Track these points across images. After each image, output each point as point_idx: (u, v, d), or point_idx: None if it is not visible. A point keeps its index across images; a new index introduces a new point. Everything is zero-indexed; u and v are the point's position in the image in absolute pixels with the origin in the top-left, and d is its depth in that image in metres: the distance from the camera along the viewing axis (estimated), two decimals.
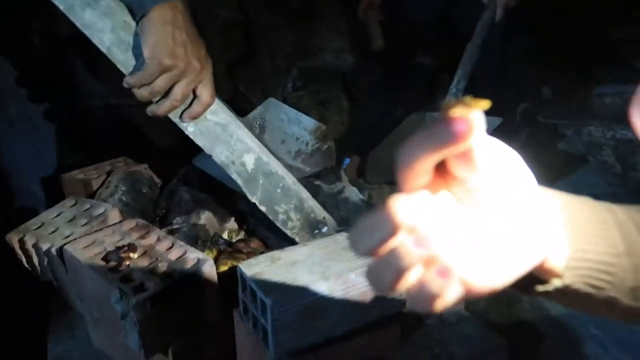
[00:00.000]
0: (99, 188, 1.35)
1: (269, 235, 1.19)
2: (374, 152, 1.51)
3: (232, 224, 1.26)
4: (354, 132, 1.71)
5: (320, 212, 1.13)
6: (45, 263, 1.08)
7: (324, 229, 1.12)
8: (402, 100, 1.70)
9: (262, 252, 1.16)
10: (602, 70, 1.86)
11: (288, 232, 1.10)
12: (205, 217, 1.19)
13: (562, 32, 1.95)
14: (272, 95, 1.54)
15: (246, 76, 1.76)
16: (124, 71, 0.89)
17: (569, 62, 1.90)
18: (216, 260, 1.09)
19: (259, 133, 1.36)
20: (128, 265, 0.91)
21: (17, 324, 1.27)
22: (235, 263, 1.07)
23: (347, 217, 1.21)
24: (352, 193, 1.26)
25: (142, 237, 1.01)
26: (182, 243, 0.97)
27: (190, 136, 0.98)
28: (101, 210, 1.15)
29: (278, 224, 1.09)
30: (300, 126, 1.33)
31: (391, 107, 1.72)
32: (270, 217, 1.08)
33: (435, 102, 1.58)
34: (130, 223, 1.07)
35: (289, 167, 1.28)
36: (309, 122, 1.35)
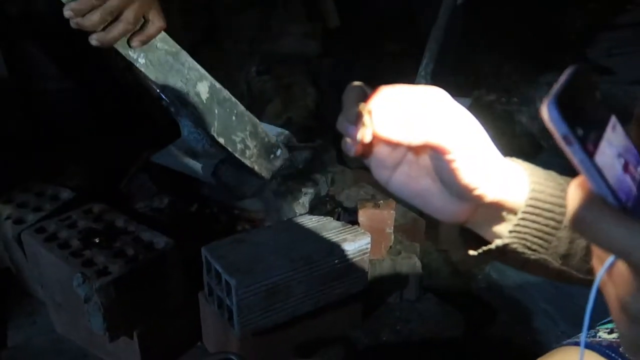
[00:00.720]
0: (58, 174, 1.32)
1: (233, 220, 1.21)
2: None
3: (194, 208, 1.25)
4: (320, 117, 1.73)
5: (272, 137, 1.12)
6: (2, 248, 1.05)
7: (278, 152, 1.12)
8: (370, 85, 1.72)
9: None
10: (557, 57, 1.93)
11: (247, 162, 1.07)
12: (169, 202, 1.19)
13: (518, 19, 2.01)
14: (235, 79, 1.52)
15: (208, 60, 1.74)
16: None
17: (525, 49, 1.97)
18: (181, 245, 1.09)
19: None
20: (90, 250, 0.90)
21: None
22: (198, 245, 1.07)
23: None
24: None
25: (104, 222, 1.00)
26: (146, 228, 0.97)
27: (142, 69, 0.91)
28: (63, 194, 1.13)
29: (237, 155, 1.06)
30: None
31: None
32: (229, 148, 1.04)
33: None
34: (92, 207, 1.05)
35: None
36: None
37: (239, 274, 0.83)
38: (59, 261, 0.88)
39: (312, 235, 0.96)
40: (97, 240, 0.91)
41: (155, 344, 0.93)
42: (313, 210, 1.26)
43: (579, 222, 0.25)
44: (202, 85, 0.97)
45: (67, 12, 0.76)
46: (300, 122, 1.71)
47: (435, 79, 1.53)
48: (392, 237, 1.11)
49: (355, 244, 0.95)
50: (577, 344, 0.59)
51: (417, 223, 1.37)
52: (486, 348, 1.16)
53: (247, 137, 1.05)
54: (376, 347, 1.03)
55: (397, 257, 1.14)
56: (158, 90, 0.97)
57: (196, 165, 1.17)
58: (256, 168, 1.07)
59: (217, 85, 1.00)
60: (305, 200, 1.25)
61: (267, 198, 1.25)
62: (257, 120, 1.08)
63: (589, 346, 0.56)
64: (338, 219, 1.21)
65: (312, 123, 1.71)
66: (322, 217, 1.04)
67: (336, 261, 0.93)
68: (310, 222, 1.01)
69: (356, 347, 1.03)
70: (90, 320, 0.85)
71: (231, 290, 0.83)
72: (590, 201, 0.25)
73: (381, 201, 1.12)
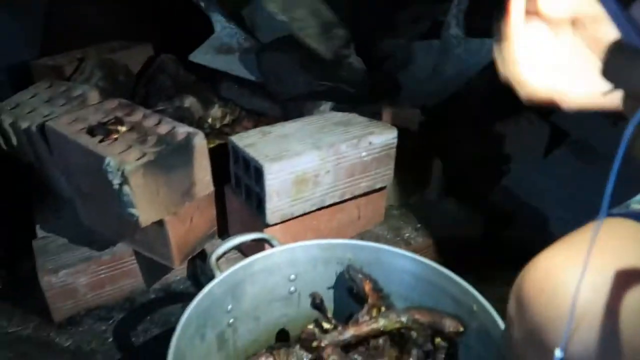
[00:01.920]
0: (71, 74, 1.30)
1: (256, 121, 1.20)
2: None
3: (215, 110, 1.24)
4: None
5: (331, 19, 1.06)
6: (25, 142, 1.05)
7: (335, 30, 1.07)
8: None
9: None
10: None
11: (305, 41, 1.04)
12: (189, 102, 1.17)
13: None
14: None
15: None
16: None
17: None
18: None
19: None
20: (116, 139, 0.89)
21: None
22: (222, 142, 1.07)
23: None
24: None
25: (127, 114, 0.99)
26: (169, 119, 0.96)
27: None
28: (79, 91, 1.11)
29: (299, 37, 1.04)
30: None
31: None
32: (295, 31, 1.03)
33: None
34: (112, 102, 1.03)
35: None
36: None
37: (267, 160, 0.83)
38: (87, 147, 0.87)
39: (339, 128, 0.95)
40: (123, 129, 0.91)
41: (183, 233, 0.95)
42: None
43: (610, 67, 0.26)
44: None
45: None
46: None
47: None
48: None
49: (382, 137, 0.94)
50: (611, 215, 0.59)
51: None
52: (502, 249, 1.18)
53: (307, 15, 1.03)
54: (396, 243, 1.05)
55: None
56: None
57: (233, 60, 1.15)
58: (315, 46, 1.05)
59: None
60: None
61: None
62: None
63: (624, 214, 0.56)
64: None
65: None
66: (347, 113, 1.03)
67: (363, 154, 0.93)
68: (336, 117, 1.00)
69: (379, 241, 1.05)
70: (120, 206, 0.86)
71: (261, 176, 0.83)
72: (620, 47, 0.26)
73: None
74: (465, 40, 1.23)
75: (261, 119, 1.25)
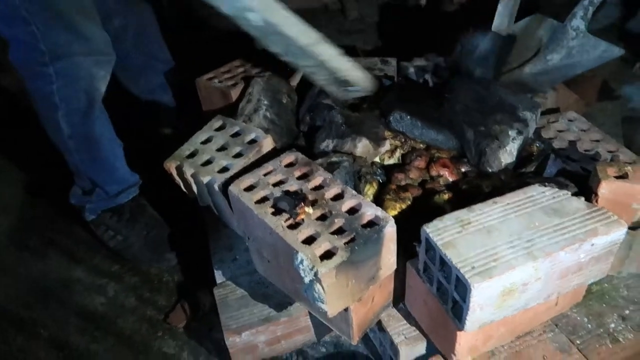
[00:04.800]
0: (238, 100, 1.27)
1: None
2: None
3: (386, 147, 1.14)
4: None
5: (346, 74, 1.09)
6: (206, 193, 1.06)
7: (352, 88, 1.11)
8: None
9: (421, 182, 1.06)
10: None
11: (317, 84, 1.12)
12: (362, 145, 1.08)
13: None
14: None
15: None
16: None
17: None
18: (380, 199, 1.01)
19: None
20: (302, 220, 0.85)
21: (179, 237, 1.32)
22: (402, 206, 0.98)
23: None
24: None
25: (305, 177, 0.94)
26: (353, 192, 0.89)
27: None
28: (252, 135, 1.08)
29: (306, 76, 1.11)
30: None
31: None
32: (298, 68, 1.11)
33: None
34: (289, 157, 0.99)
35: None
36: None
37: (475, 274, 0.74)
38: (274, 231, 0.84)
39: (551, 221, 0.81)
40: (310, 211, 0.86)
41: (365, 313, 0.91)
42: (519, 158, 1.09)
43: None
44: (252, 15, 0.97)
45: None
46: None
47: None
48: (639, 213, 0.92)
49: (608, 238, 0.78)
50: None
51: None
52: None
53: (312, 66, 1.07)
54: (600, 335, 0.92)
55: (635, 231, 0.95)
56: None
57: None
58: (327, 90, 1.12)
59: (271, 19, 0.98)
60: (513, 147, 1.07)
61: (463, 134, 1.10)
62: (329, 57, 1.05)
63: None
64: (544, 168, 1.05)
65: None
66: (556, 189, 0.87)
67: (582, 256, 0.79)
68: (544, 198, 0.86)
69: (576, 329, 0.93)
70: (308, 294, 0.83)
71: (466, 291, 0.74)
72: None
73: (629, 167, 0.91)
74: (584, 35, 1.20)
75: (435, 153, 1.13)
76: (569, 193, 0.86)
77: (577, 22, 1.21)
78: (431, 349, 0.93)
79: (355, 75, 1.06)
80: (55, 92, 1.08)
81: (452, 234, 0.80)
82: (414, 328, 0.96)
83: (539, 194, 0.86)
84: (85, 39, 1.07)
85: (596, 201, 0.90)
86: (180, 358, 1.11)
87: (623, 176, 0.89)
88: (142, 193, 1.34)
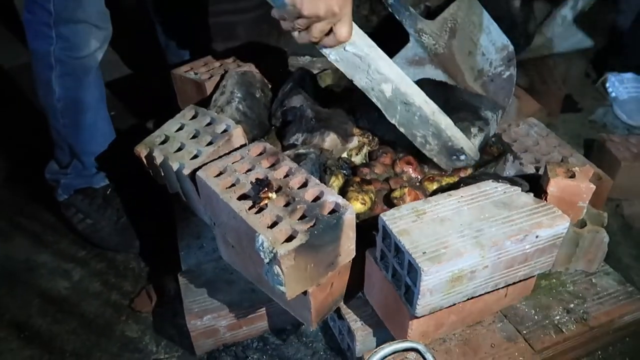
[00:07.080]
0: (212, 93, 1.30)
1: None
2: None
3: (353, 143, 1.18)
4: None
5: (459, 142, 1.08)
6: (175, 180, 1.08)
7: (462, 157, 1.10)
8: None
9: (386, 179, 1.10)
10: None
11: (426, 153, 1.10)
12: (330, 140, 1.12)
13: None
14: None
15: None
16: (271, 3, 0.91)
17: None
18: (344, 191, 1.04)
19: (448, 38, 1.25)
20: (266, 205, 0.88)
21: (145, 222, 1.34)
22: (366, 198, 1.02)
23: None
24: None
25: (272, 166, 0.97)
26: (317, 181, 0.92)
27: (333, 62, 1.01)
28: (223, 126, 1.10)
29: (416, 145, 1.10)
30: (489, 38, 1.21)
31: None
32: (409, 137, 1.09)
33: None
34: (258, 147, 1.02)
35: (466, 87, 1.26)
36: (498, 36, 1.20)
37: (426, 259, 0.78)
38: (238, 214, 0.87)
39: (500, 214, 0.85)
40: (273, 196, 0.89)
41: (323, 299, 0.94)
42: (480, 154, 1.14)
43: None
44: (386, 86, 1.03)
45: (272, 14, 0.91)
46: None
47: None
48: (585, 210, 0.97)
49: (552, 230, 0.83)
50: None
51: (602, 184, 1.21)
52: None
53: (429, 135, 1.08)
54: (545, 326, 0.97)
55: (581, 229, 1.01)
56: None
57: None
58: (435, 160, 1.10)
59: (403, 89, 1.03)
60: (474, 143, 1.12)
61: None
62: (445, 125, 1.07)
63: None
64: (504, 163, 1.11)
65: None
66: (508, 185, 0.92)
67: (527, 247, 0.84)
68: (496, 192, 0.90)
69: (523, 320, 0.97)
70: (268, 277, 0.86)
71: (417, 276, 0.78)
72: None
73: (576, 168, 0.97)
74: (569, 23, 1.31)
75: (399, 153, 1.18)
76: (519, 189, 0.91)
77: (566, 11, 1.32)
78: (388, 335, 0.97)
79: (465, 144, 1.08)
80: (52, 53, 1.14)
81: (408, 223, 0.84)
82: (372, 315, 1.00)
83: (491, 189, 0.91)
84: (85, 8, 1.13)
85: (545, 198, 0.95)
86: (142, 342, 1.12)
87: (571, 176, 0.95)
88: (112, 179, 1.35)
